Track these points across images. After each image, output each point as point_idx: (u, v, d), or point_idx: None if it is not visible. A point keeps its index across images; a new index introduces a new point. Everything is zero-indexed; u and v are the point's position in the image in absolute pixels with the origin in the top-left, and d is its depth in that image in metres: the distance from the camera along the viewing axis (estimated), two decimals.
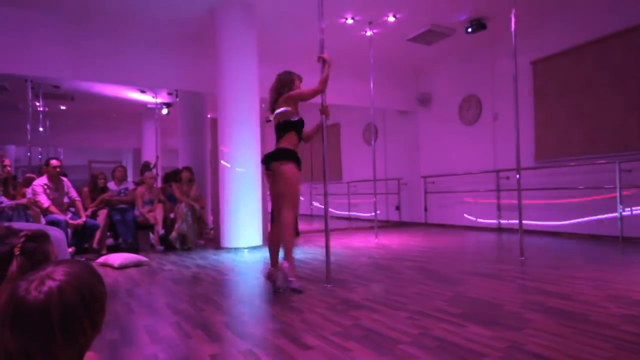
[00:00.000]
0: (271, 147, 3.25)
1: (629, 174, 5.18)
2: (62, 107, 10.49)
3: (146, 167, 7.25)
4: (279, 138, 3.19)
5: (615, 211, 5.27)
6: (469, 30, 6.22)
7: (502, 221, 6.92)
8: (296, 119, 3.17)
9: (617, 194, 5.23)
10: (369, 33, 6.30)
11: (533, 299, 2.59)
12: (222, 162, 5.59)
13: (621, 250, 4.50)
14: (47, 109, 9.94)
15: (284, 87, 3.23)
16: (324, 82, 3.22)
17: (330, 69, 3.27)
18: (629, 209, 5.20)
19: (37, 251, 1.08)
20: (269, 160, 3.14)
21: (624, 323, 2.07)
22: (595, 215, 5.57)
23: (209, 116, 8.19)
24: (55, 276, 0.76)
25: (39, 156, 9.80)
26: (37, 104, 9.04)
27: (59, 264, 0.80)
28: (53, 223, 4.42)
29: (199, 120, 8.27)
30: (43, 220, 4.61)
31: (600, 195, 5.51)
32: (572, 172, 5.83)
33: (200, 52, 6.46)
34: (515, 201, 6.01)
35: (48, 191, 4.97)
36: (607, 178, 5.39)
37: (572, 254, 4.40)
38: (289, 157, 3.09)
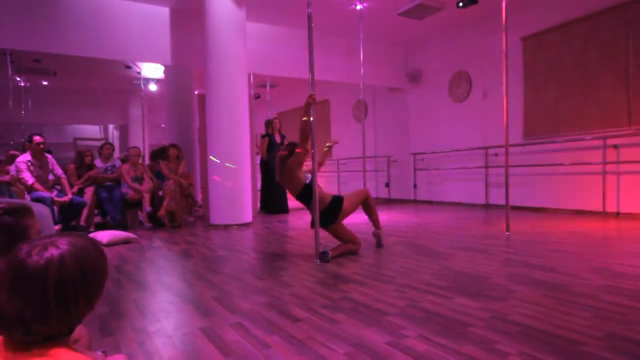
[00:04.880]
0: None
1: (614, 150, 5.25)
2: (45, 83, 10.21)
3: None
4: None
5: (600, 187, 5.37)
6: (460, 4, 6.13)
7: (490, 197, 7.01)
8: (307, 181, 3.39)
9: (602, 170, 5.32)
10: (359, 7, 6.17)
11: (518, 271, 2.65)
12: (210, 156, 5.51)
13: (604, 225, 4.60)
14: (28, 84, 9.67)
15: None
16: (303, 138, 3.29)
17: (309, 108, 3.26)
18: (613, 184, 5.30)
19: (14, 225, 1.06)
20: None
21: (604, 293, 2.14)
22: (581, 191, 5.67)
23: (196, 92, 8.04)
24: (59, 244, 0.75)
25: (22, 133, 9.59)
26: (18, 79, 8.79)
27: (64, 235, 0.80)
28: (38, 200, 4.35)
29: (186, 96, 8.12)
30: (28, 198, 4.54)
31: (586, 172, 5.59)
32: (560, 148, 5.89)
33: (188, 26, 6.28)
34: (502, 177, 6.08)
35: (32, 168, 4.88)
36: (594, 154, 5.46)
37: (557, 228, 4.48)
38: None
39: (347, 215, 3.42)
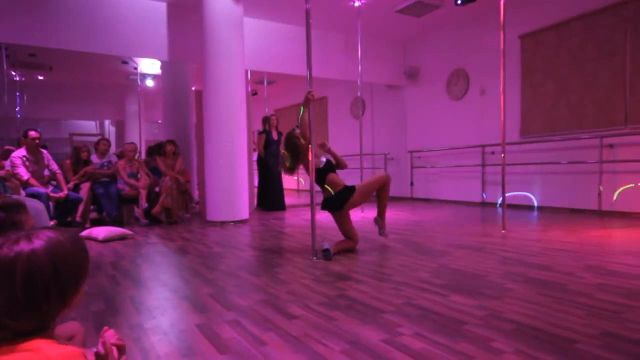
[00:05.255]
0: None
1: (610, 149, 5.27)
2: (40, 78, 10.13)
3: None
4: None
5: (596, 186, 5.39)
6: (458, 2, 6.11)
7: (486, 195, 7.03)
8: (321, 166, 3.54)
9: (598, 169, 5.34)
10: (357, 4, 6.16)
11: (514, 269, 2.66)
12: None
13: (600, 224, 4.63)
14: (24, 79, 9.60)
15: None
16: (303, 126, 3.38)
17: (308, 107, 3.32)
18: (609, 183, 5.32)
19: (7, 221, 1.05)
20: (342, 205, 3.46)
21: (599, 292, 2.15)
22: (577, 189, 5.69)
23: (193, 88, 8.01)
24: (33, 238, 0.74)
25: (17, 128, 9.53)
26: (13, 73, 8.72)
27: (46, 229, 0.78)
28: (33, 196, 4.32)
29: (183, 92, 8.09)
30: (23, 193, 4.51)
31: (582, 170, 5.61)
32: (557, 147, 5.91)
33: (186, 22, 6.25)
34: (499, 175, 6.09)
35: (27, 163, 4.85)
36: (590, 153, 5.48)
37: (553, 227, 4.50)
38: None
39: (355, 206, 3.50)
